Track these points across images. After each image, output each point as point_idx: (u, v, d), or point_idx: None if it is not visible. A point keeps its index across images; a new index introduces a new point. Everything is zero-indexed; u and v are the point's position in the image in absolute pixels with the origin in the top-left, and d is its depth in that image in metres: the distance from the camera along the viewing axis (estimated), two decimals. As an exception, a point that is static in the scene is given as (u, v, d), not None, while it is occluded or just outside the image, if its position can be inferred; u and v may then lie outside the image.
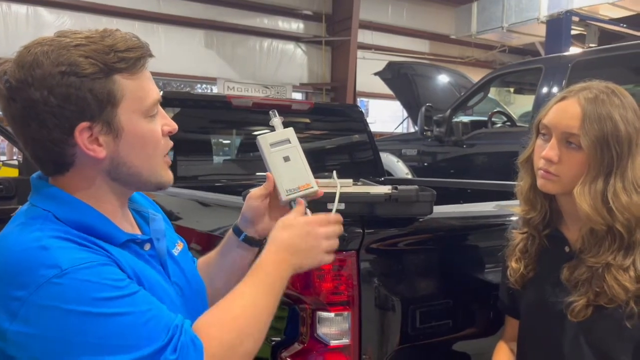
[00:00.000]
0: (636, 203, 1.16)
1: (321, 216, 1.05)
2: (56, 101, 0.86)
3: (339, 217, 1.08)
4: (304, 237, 1.01)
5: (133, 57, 0.91)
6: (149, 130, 0.95)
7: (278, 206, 1.15)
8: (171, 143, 1.01)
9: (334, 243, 1.05)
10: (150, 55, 0.95)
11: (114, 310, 0.81)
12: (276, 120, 1.16)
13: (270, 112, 1.17)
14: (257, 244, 1.18)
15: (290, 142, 1.14)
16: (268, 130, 1.16)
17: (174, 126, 1.00)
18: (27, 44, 0.90)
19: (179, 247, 1.15)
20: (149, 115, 0.95)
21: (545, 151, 1.22)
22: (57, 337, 0.79)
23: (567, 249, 1.28)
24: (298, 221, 1.03)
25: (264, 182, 1.14)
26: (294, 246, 1.00)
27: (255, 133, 3.46)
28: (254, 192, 1.15)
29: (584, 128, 1.16)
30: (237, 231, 1.18)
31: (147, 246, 1.00)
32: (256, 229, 1.17)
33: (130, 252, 0.95)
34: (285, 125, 1.16)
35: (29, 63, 0.87)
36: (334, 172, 1.31)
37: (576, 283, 1.21)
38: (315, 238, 1.02)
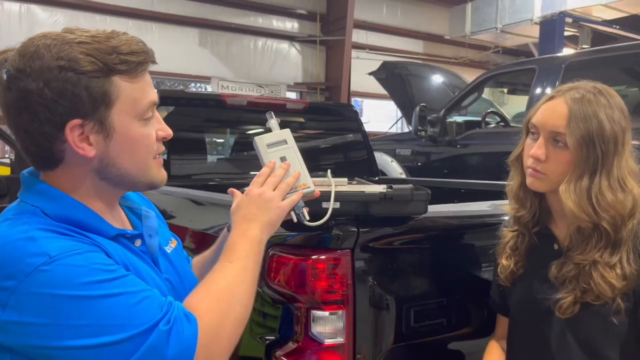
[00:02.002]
0: (621, 201, 1.17)
1: (255, 179, 1.09)
2: (51, 94, 0.86)
3: (271, 164, 1.11)
4: (254, 202, 1.06)
5: (135, 61, 0.91)
6: (142, 133, 0.94)
7: None
8: (163, 148, 1.00)
9: (284, 188, 1.08)
10: (153, 62, 0.95)
11: (105, 292, 0.81)
12: (273, 121, 1.16)
13: (267, 114, 1.17)
14: None
15: (287, 143, 1.14)
16: (263, 130, 1.16)
17: (168, 132, 1.00)
18: (33, 35, 0.90)
19: (172, 244, 1.15)
20: (143, 118, 0.94)
21: (533, 150, 1.24)
22: (49, 323, 0.79)
23: (555, 246, 1.29)
24: (242, 198, 1.08)
25: None
26: (250, 213, 1.05)
27: (250, 132, 3.46)
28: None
29: (570, 127, 1.18)
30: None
31: (138, 242, 1.01)
32: None
33: (121, 246, 0.95)
34: (280, 124, 1.17)
35: (29, 53, 0.87)
36: (329, 171, 1.31)
37: (564, 280, 1.22)
38: (262, 195, 1.06)
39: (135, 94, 0.92)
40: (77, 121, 0.88)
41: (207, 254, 1.27)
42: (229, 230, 1.19)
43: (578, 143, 1.17)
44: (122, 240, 0.97)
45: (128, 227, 1.05)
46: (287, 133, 1.15)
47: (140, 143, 0.95)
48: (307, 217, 1.14)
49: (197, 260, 1.28)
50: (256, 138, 1.13)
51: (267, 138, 1.14)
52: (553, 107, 1.23)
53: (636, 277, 1.17)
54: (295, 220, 1.14)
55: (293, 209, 1.12)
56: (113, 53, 0.89)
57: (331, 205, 1.18)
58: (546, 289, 1.26)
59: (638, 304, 1.19)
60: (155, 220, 1.09)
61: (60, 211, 0.90)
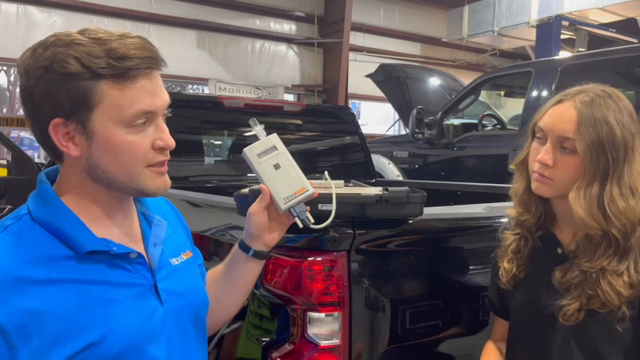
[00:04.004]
0: (633, 208, 1.15)
1: None
2: (39, 93, 0.88)
3: None
4: None
5: (122, 67, 0.88)
6: (127, 141, 0.91)
7: (276, 215, 1.14)
8: (163, 157, 0.97)
9: None
10: (150, 67, 0.92)
11: None
12: (258, 128, 1.14)
13: (250, 120, 1.14)
14: (266, 255, 1.17)
15: (276, 149, 1.12)
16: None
17: (168, 143, 0.96)
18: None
19: (184, 256, 1.10)
20: (131, 125, 0.91)
21: (540, 155, 1.21)
22: None
23: (559, 250, 1.27)
24: None
25: (255, 182, 1.13)
26: None
27: (247, 134, 3.46)
28: (254, 208, 1.13)
29: (579, 132, 1.16)
30: (244, 247, 1.16)
31: (134, 255, 0.97)
32: (263, 242, 1.15)
33: (92, 264, 0.92)
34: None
35: (31, 51, 0.90)
36: (326, 172, 1.31)
37: (568, 286, 1.20)
38: None
39: (120, 101, 0.89)
40: (58, 120, 0.89)
41: (218, 268, 1.23)
42: (240, 245, 1.17)
43: (588, 149, 1.15)
44: (102, 255, 0.93)
45: (137, 235, 1.02)
46: (275, 138, 1.13)
47: (123, 150, 0.92)
48: (312, 220, 1.12)
49: (210, 274, 1.24)
50: (245, 150, 1.11)
51: (256, 147, 1.11)
52: (561, 111, 1.20)
53: None
54: (300, 225, 1.12)
55: (297, 214, 1.11)
56: (103, 57, 0.87)
57: (334, 206, 1.16)
58: (550, 294, 1.24)
59: None
60: (163, 230, 1.06)
61: (45, 216, 0.91)
